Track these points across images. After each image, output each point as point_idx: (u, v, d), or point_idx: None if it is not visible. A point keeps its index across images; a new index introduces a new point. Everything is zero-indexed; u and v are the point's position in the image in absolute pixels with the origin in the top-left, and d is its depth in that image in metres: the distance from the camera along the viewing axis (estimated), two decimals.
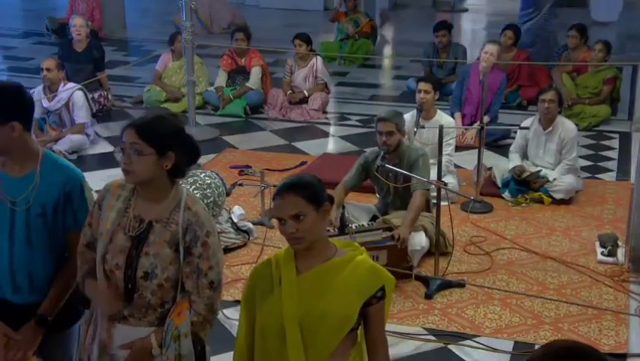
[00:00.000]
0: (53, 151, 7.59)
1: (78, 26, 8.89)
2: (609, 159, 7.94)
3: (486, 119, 7.61)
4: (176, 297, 2.94)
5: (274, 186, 6.43)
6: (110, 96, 9.30)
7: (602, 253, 5.70)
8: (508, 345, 4.66)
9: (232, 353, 4.45)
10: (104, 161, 7.53)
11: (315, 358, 2.76)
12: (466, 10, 17.80)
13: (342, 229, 5.27)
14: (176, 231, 2.91)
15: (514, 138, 7.26)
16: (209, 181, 5.74)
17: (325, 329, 2.75)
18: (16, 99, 3.10)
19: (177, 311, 2.92)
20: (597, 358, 2.05)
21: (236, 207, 6.39)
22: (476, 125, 7.36)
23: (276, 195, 2.80)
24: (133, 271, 2.91)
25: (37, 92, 7.88)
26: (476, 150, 7.00)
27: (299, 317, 2.75)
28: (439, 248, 5.38)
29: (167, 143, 2.88)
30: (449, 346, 4.68)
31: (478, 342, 4.69)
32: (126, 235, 2.93)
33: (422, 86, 6.66)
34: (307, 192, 2.77)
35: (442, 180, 5.39)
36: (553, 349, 2.07)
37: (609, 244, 5.69)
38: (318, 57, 9.51)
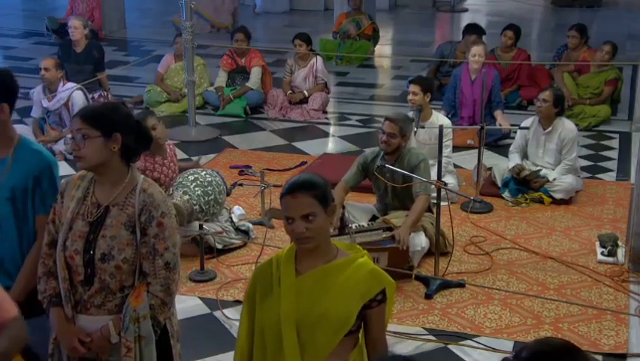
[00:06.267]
0: (53, 151, 7.65)
1: (73, 27, 8.90)
2: (609, 159, 7.93)
3: (499, 113, 8.14)
4: (134, 283, 3.02)
5: (274, 186, 6.45)
6: (110, 96, 9.29)
7: (602, 253, 5.69)
8: (508, 345, 4.65)
9: (232, 352, 4.46)
10: None
11: (313, 359, 2.76)
12: (466, 10, 17.80)
13: (342, 229, 5.27)
14: (133, 213, 2.99)
15: (514, 137, 7.26)
16: (210, 179, 5.75)
17: (323, 330, 2.75)
18: (7, 82, 3.20)
19: (135, 295, 3.00)
20: (584, 358, 2.07)
21: (237, 207, 6.39)
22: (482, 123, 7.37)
23: (286, 194, 2.77)
24: (91, 255, 2.99)
25: (37, 92, 7.89)
26: (476, 150, 7.00)
27: (296, 317, 2.75)
28: (439, 248, 5.38)
29: (111, 124, 2.98)
30: (449, 346, 4.67)
31: (478, 342, 4.69)
32: (85, 220, 3.02)
33: (411, 87, 6.69)
34: (318, 191, 2.76)
35: (442, 180, 5.38)
36: (541, 348, 2.08)
37: (609, 244, 5.69)
38: (318, 57, 9.51)
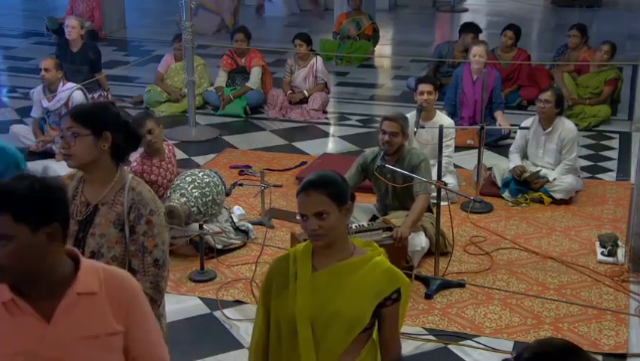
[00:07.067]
0: (53, 151, 7.65)
1: (70, 27, 8.92)
2: (609, 159, 7.93)
3: (500, 113, 8.16)
4: None
5: (274, 186, 6.45)
6: (110, 96, 9.29)
7: (602, 253, 5.69)
8: (508, 345, 4.65)
9: (232, 352, 4.46)
10: None
11: (327, 355, 2.78)
12: (466, 10, 17.80)
13: None
14: (121, 211, 3.02)
15: (514, 138, 7.26)
16: (207, 180, 5.75)
17: (336, 327, 2.77)
18: None
19: None
20: (586, 358, 2.07)
21: (237, 207, 6.39)
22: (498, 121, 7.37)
23: (301, 191, 2.80)
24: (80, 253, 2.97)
25: (37, 92, 7.89)
26: (476, 150, 7.00)
27: (311, 314, 2.76)
28: (439, 248, 5.38)
29: (101, 123, 3.00)
30: (449, 346, 4.67)
31: (478, 342, 4.69)
32: (74, 219, 3.03)
33: (425, 87, 6.66)
34: (332, 190, 2.78)
35: (442, 180, 5.38)
36: (543, 348, 2.08)
37: (609, 244, 5.69)
38: (318, 57, 9.51)
